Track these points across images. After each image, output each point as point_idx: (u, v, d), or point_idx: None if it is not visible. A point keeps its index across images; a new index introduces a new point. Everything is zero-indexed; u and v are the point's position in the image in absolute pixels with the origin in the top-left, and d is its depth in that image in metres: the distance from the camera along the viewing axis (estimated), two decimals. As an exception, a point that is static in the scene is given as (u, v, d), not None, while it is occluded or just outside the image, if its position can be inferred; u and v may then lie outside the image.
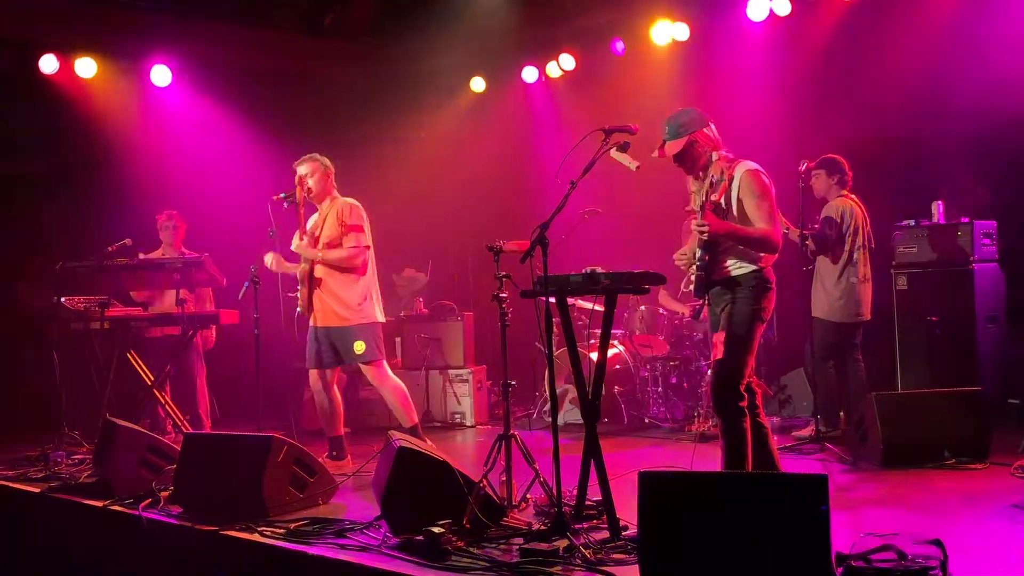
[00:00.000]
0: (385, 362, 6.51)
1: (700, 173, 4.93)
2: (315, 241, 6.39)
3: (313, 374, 6.44)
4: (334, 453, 6.45)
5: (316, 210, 6.54)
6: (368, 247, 6.41)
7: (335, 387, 6.51)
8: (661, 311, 8.39)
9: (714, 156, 4.89)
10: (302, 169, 6.43)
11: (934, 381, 7.03)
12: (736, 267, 4.83)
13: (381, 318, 6.54)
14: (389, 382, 6.47)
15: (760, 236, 4.75)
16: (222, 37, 9.56)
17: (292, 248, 6.44)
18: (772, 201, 4.81)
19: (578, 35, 9.81)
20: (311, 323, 6.42)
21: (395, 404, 6.47)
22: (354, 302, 6.35)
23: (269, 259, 6.42)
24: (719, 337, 4.85)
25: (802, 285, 7.06)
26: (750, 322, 4.81)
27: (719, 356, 4.82)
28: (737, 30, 8.81)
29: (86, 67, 9.13)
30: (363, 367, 6.44)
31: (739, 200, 4.79)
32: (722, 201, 4.79)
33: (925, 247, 7.43)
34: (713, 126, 4.95)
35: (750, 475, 4.32)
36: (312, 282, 6.35)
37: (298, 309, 6.44)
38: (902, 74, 7.80)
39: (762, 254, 4.81)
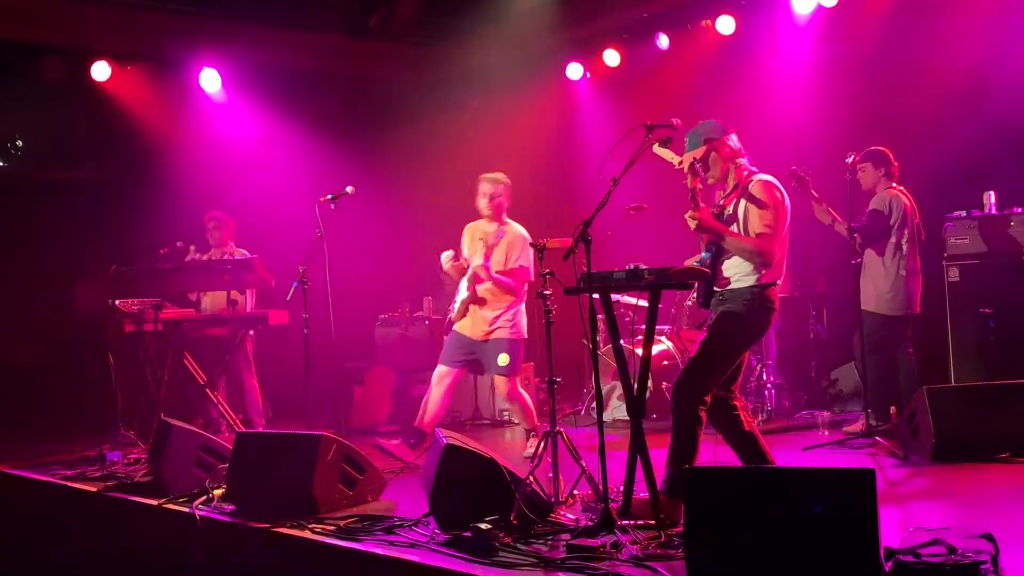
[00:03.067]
0: (519, 379, 6.80)
1: (724, 183, 4.92)
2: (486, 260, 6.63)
3: (440, 368, 6.67)
4: (412, 442, 6.58)
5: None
6: (532, 279, 6.68)
7: (449, 388, 6.69)
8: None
9: (738, 162, 4.87)
10: (487, 187, 6.67)
11: (988, 374, 6.93)
12: (736, 278, 4.78)
13: (526, 334, 6.84)
14: (519, 397, 6.75)
15: (750, 244, 4.69)
16: (269, 41, 9.67)
17: (472, 266, 6.64)
18: (778, 214, 4.72)
19: (622, 31, 9.79)
20: (457, 329, 6.70)
21: (521, 416, 6.88)
22: (508, 317, 6.65)
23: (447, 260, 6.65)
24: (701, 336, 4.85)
25: (851, 278, 6.99)
26: (730, 335, 4.77)
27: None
28: (783, 22, 8.74)
29: (136, 73, 9.31)
30: (498, 378, 6.73)
31: (746, 209, 4.76)
32: (730, 208, 4.78)
33: (977, 238, 7.32)
34: (735, 136, 4.92)
35: (798, 470, 4.29)
36: (473, 297, 6.63)
37: (450, 315, 6.81)
38: (952, 63, 7.67)
39: (763, 270, 4.72)
